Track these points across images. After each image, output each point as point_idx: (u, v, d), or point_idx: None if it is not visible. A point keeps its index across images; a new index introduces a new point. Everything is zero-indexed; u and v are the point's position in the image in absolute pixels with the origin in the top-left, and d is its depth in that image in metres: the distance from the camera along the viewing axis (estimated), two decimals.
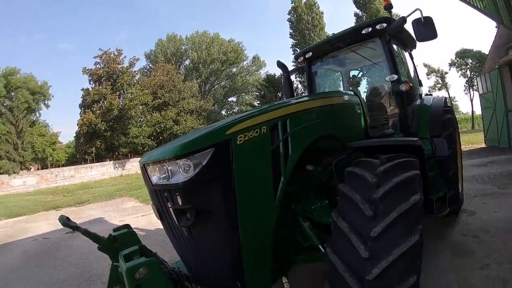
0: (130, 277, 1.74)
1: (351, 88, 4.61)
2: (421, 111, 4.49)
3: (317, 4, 36.31)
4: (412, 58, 5.14)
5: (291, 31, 37.09)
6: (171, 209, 2.20)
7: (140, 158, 2.65)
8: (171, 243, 2.59)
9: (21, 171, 25.94)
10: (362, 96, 4.54)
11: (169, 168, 2.10)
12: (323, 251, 2.34)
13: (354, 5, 34.05)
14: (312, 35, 34.84)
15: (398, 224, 1.88)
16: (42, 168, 30.17)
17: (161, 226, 2.66)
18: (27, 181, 23.79)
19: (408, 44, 4.78)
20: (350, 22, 35.85)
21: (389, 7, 3.93)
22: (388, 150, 2.55)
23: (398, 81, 3.79)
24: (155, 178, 2.26)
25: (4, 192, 21.65)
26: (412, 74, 5.05)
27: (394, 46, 4.39)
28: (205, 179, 2.01)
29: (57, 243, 6.91)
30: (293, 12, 36.64)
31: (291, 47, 37.22)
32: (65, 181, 25.04)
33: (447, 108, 4.67)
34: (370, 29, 3.83)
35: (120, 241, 2.46)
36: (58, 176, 25.43)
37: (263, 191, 2.20)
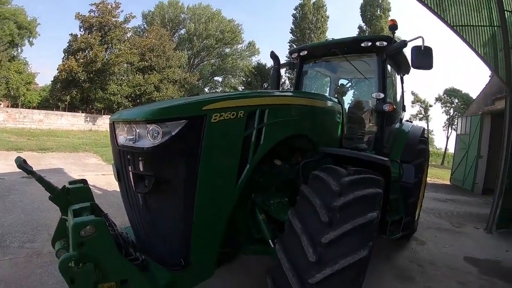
0: (75, 233, 1.68)
1: (336, 95, 4.66)
2: (399, 135, 4.59)
3: (325, 7, 36.25)
4: (402, 82, 5.25)
5: (292, 26, 36.85)
6: (131, 173, 2.14)
7: None
8: (124, 207, 2.53)
9: None
10: (345, 107, 4.63)
11: (138, 130, 2.05)
12: (272, 246, 2.37)
13: (360, 18, 34.35)
14: (313, 36, 34.81)
15: (351, 236, 1.90)
16: (12, 106, 28.78)
17: (119, 189, 2.59)
18: None
19: (403, 68, 4.88)
20: (352, 33, 36.23)
21: (393, 27, 3.99)
22: (357, 164, 2.59)
23: (383, 100, 3.86)
24: (121, 138, 2.20)
25: None
26: (398, 97, 5.17)
27: (388, 67, 4.48)
28: (171, 150, 1.97)
29: (11, 186, 6.70)
30: (299, 8, 36.40)
31: (288, 42, 37.05)
32: (33, 124, 23.96)
33: (423, 138, 4.80)
34: (370, 43, 3.87)
35: (73, 195, 2.39)
36: (26, 117, 24.25)
37: (226, 174, 2.18)
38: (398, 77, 5.09)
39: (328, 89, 5.46)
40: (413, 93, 35.74)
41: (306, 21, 35.47)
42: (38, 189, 6.32)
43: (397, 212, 3.99)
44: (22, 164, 2.21)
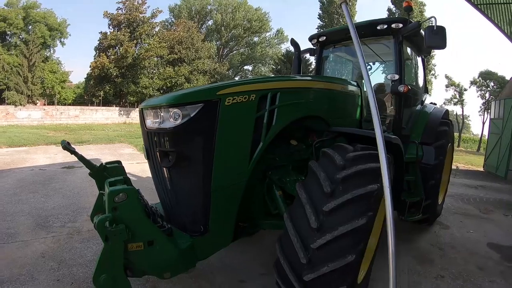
0: (110, 199, 1.96)
1: (356, 79, 4.67)
2: (419, 116, 4.57)
3: None
4: (424, 64, 5.18)
5: (320, 12, 36.04)
6: (157, 151, 2.42)
7: None
8: (153, 183, 2.81)
9: (27, 104, 26.19)
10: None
11: (162, 114, 2.31)
12: None
13: (389, 0, 33.00)
14: (341, 20, 33.91)
15: (350, 205, 2.05)
16: (48, 104, 30.45)
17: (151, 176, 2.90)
18: (32, 115, 24.02)
19: (422, 49, 4.81)
20: (382, 16, 34.88)
21: (409, 8, 3.98)
22: (370, 142, 2.69)
23: (399, 81, 3.88)
24: (149, 121, 2.47)
25: (9, 123, 21.96)
26: (420, 79, 5.11)
27: (408, 49, 4.45)
28: (190, 129, 2.22)
29: (52, 176, 7.25)
30: None
31: (316, 28, 36.25)
32: (69, 120, 25.40)
33: (444, 120, 4.72)
34: (385, 26, 3.89)
35: (109, 172, 2.74)
36: (63, 114, 25.72)
37: (240, 151, 2.41)
38: (419, 59, 5.04)
39: (349, 72, 5.49)
40: (447, 77, 34.08)
41: (334, 5, 34.49)
42: (76, 178, 7.00)
43: (417, 193, 4.02)
44: (66, 145, 2.55)
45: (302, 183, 2.35)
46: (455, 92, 33.84)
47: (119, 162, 2.97)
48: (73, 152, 2.59)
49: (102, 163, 2.84)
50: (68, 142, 2.60)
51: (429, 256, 3.99)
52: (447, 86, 33.85)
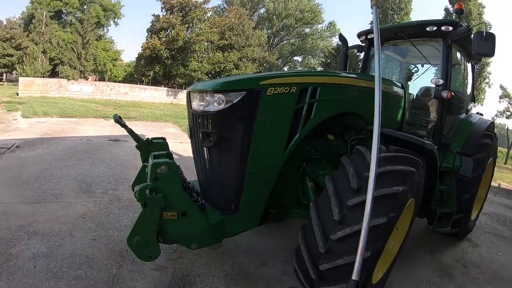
0: (153, 170, 2.16)
1: (402, 80, 4.59)
2: (462, 125, 4.43)
3: None
4: (473, 70, 4.98)
5: None
6: (200, 132, 2.60)
7: None
8: (193, 161, 3.04)
9: (79, 79, 27.84)
10: (413, 92, 4.56)
11: (207, 98, 2.48)
12: None
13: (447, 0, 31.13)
14: (396, 17, 32.63)
15: (374, 203, 2.05)
16: (99, 80, 32.17)
17: (192, 155, 3.12)
18: (84, 89, 25.24)
19: (473, 55, 4.61)
20: (438, 15, 32.91)
21: (460, 11, 3.87)
22: (406, 146, 2.71)
23: (444, 87, 3.79)
24: (194, 104, 2.67)
25: (61, 95, 23.14)
26: (468, 86, 4.93)
27: (458, 54, 4.30)
28: (232, 114, 2.39)
29: (99, 146, 7.76)
30: None
31: (369, 24, 35.16)
32: (118, 96, 26.52)
33: (488, 133, 4.52)
34: (435, 28, 3.80)
35: (154, 146, 3.00)
36: (113, 90, 26.93)
37: (276, 139, 2.54)
38: (469, 65, 4.85)
39: (396, 72, 5.40)
40: (502, 87, 31.72)
41: (389, 1, 33.27)
42: (121, 150, 7.51)
43: (449, 205, 3.91)
44: (118, 119, 2.79)
45: (331, 176, 2.45)
46: (509, 105, 31.46)
47: (163, 139, 3.22)
48: (123, 125, 2.84)
49: (148, 138, 3.10)
50: (119, 116, 2.83)
51: (450, 271, 3.88)
52: (500, 97, 31.53)
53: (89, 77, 32.70)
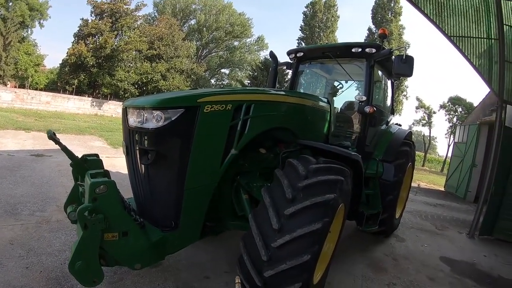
0: (91, 190, 2.09)
1: (328, 95, 5.00)
2: (383, 136, 4.91)
3: (336, 7, 36.05)
4: (393, 87, 5.57)
5: (302, 24, 36.73)
6: (137, 149, 2.58)
7: (121, 102, 3.00)
8: (129, 178, 2.96)
9: None
10: (337, 106, 4.95)
11: (145, 115, 2.47)
12: None
13: (371, 20, 34.30)
14: (322, 34, 34.71)
15: (308, 211, 2.31)
16: (19, 87, 29.17)
17: (120, 170, 3.02)
18: (2, 96, 22.77)
19: (393, 74, 5.18)
20: (362, 34, 35.82)
21: (383, 36, 4.34)
22: (332, 157, 2.97)
23: (367, 102, 4.19)
24: (131, 120, 2.62)
25: None
26: (388, 100, 5.50)
27: (379, 72, 4.80)
28: (171, 131, 2.41)
29: (21, 162, 7.09)
30: (310, 6, 36.16)
31: (297, 39, 36.99)
32: (40, 106, 24.43)
33: (406, 141, 5.08)
34: (360, 49, 4.21)
35: (88, 164, 2.88)
36: (34, 99, 24.67)
37: (213, 155, 2.62)
38: (389, 82, 5.43)
39: (321, 88, 5.81)
40: (418, 99, 35.74)
41: (316, 19, 35.35)
42: (45, 166, 6.93)
43: (375, 207, 4.34)
44: (52, 136, 2.65)
45: (267, 188, 2.60)
46: (425, 114, 35.58)
47: (97, 155, 3.10)
48: (58, 142, 2.69)
49: (83, 155, 2.96)
50: (53, 133, 2.70)
51: (383, 265, 4.26)
52: (417, 108, 35.56)
53: (8, 83, 29.35)
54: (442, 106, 34.83)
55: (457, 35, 6.09)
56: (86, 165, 2.84)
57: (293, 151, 3.26)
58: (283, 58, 5.31)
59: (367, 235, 5.20)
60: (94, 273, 2.14)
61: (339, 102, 5.24)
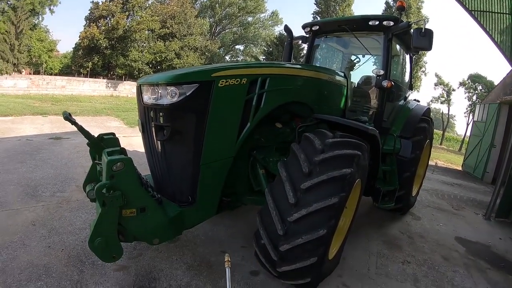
0: (108, 168, 2.12)
1: (344, 70, 4.87)
2: (401, 111, 4.80)
3: None
4: (411, 61, 5.39)
5: None
6: (153, 125, 2.58)
7: (135, 82, 2.97)
8: (146, 156, 2.99)
9: (13, 73, 25.35)
10: (354, 81, 4.82)
11: (160, 91, 2.45)
12: None
13: None
14: (337, 8, 33.67)
15: (325, 185, 2.28)
16: (34, 73, 29.58)
17: (137, 149, 3.04)
18: (18, 84, 23.13)
19: (411, 48, 5.00)
20: (379, 8, 34.36)
21: (401, 8, 4.14)
22: (350, 131, 2.90)
23: (384, 77, 4.07)
24: (146, 97, 2.61)
25: None
26: (406, 75, 5.33)
27: (397, 46, 4.63)
28: (186, 106, 2.39)
29: (40, 146, 7.24)
30: None
31: (312, 14, 35.90)
32: (56, 90, 24.72)
33: (424, 117, 4.94)
34: (377, 22, 4.06)
35: (105, 143, 2.89)
36: (49, 84, 24.97)
37: (228, 129, 2.60)
38: (407, 57, 5.24)
39: (339, 62, 5.66)
40: (436, 75, 34.63)
41: None
42: (64, 149, 7.08)
43: (391, 183, 4.28)
44: (68, 117, 2.65)
45: (283, 163, 2.57)
46: (444, 91, 34.55)
47: (113, 134, 3.11)
48: (74, 123, 2.70)
49: (99, 135, 2.98)
50: (69, 113, 2.69)
51: (398, 243, 4.25)
52: (436, 85, 34.51)
53: (23, 70, 29.80)
54: (462, 84, 33.71)
55: (479, 9, 5.82)
56: (103, 144, 2.86)
57: (309, 125, 3.21)
58: (298, 32, 5.17)
59: (383, 212, 5.17)
60: (114, 249, 2.19)
61: (356, 77, 5.09)
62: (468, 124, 32.24)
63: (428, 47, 3.62)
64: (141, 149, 3.25)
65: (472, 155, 12.11)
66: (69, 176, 5.32)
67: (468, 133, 32.15)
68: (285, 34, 4.69)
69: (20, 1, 29.00)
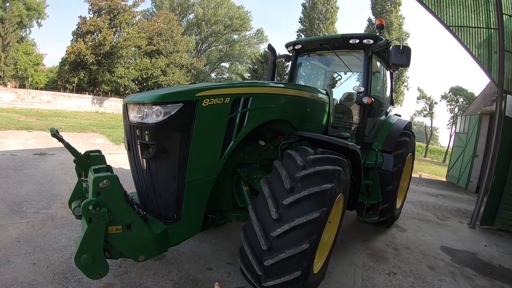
0: (95, 185, 2.15)
1: (327, 87, 5.00)
2: (382, 126, 4.93)
3: None
4: (392, 77, 5.57)
5: (302, 16, 36.34)
6: (138, 144, 2.62)
7: (121, 99, 3.03)
8: (131, 173, 3.02)
9: None
10: (336, 98, 4.96)
11: (145, 110, 2.52)
12: None
13: (370, 11, 33.93)
14: (321, 26, 34.38)
15: (306, 200, 2.36)
16: (19, 87, 29.21)
17: (123, 166, 3.06)
18: (3, 97, 22.77)
19: (390, 65, 5.18)
20: (361, 26, 35.41)
21: (380, 26, 4.32)
22: (332, 147, 2.99)
23: (365, 93, 4.21)
24: (132, 116, 2.67)
25: None
26: (387, 91, 5.51)
27: (378, 63, 4.80)
28: (170, 125, 2.46)
29: (24, 162, 7.14)
30: None
31: (296, 32, 36.63)
32: (41, 105, 24.48)
33: (406, 131, 5.07)
34: (357, 41, 4.22)
35: (91, 160, 2.94)
36: (35, 98, 24.72)
37: (212, 147, 2.67)
38: (388, 73, 5.43)
39: (320, 80, 5.79)
40: (419, 89, 35.62)
41: (316, 11, 34.88)
42: (48, 165, 6.99)
43: (375, 197, 4.38)
44: (55, 133, 2.70)
45: (266, 179, 2.64)
46: (426, 105, 35.47)
47: (99, 152, 3.15)
48: (61, 139, 2.74)
49: (86, 152, 3.02)
50: (56, 130, 2.74)
51: (384, 255, 4.30)
52: (418, 98, 35.44)
53: (8, 83, 29.38)
54: (444, 97, 34.72)
55: (456, 25, 6.06)
56: (89, 161, 2.90)
57: (292, 142, 3.29)
58: (283, 51, 5.33)
59: (368, 225, 5.24)
60: (100, 266, 2.20)
61: (338, 93, 5.26)
62: (451, 136, 33.02)
63: (406, 63, 3.75)
64: (126, 166, 3.28)
65: (456, 166, 12.37)
66: (54, 192, 5.26)
67: (451, 144, 32.92)
68: (269, 52, 4.80)
69: (8, 13, 28.80)
